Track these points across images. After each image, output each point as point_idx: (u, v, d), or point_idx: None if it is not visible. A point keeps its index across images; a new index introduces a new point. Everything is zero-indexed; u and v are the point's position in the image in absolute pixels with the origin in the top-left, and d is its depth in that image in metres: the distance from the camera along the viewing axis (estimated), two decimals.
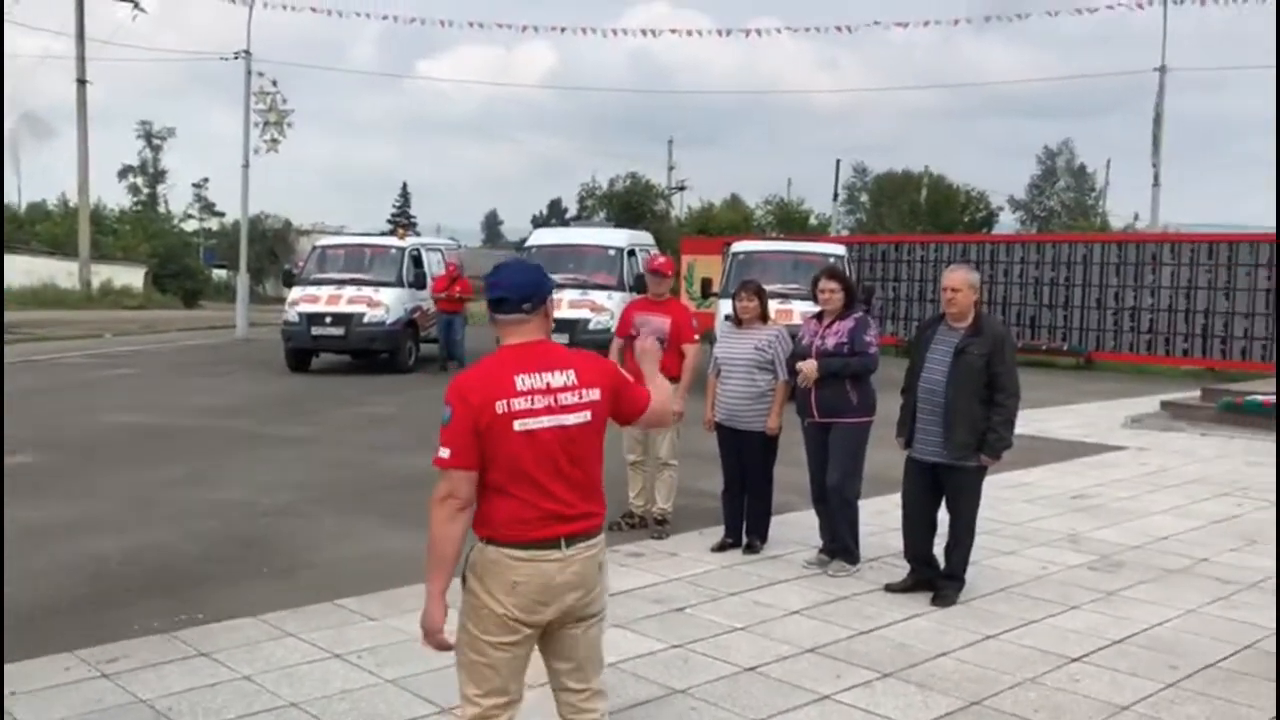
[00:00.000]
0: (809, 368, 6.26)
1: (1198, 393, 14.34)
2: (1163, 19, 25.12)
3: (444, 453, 2.87)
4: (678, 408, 6.58)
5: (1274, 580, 6.38)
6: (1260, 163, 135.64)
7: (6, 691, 4.29)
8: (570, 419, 2.93)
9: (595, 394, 2.99)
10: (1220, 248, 20.14)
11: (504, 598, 2.91)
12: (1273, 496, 8.96)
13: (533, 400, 2.89)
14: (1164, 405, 13.85)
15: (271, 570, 6.31)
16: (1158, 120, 25.26)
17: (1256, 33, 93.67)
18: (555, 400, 2.92)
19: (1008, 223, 61.79)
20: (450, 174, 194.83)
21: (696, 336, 7.33)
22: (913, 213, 51.02)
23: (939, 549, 6.01)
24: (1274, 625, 5.50)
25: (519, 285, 2.99)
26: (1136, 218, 51.17)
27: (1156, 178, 25.73)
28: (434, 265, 19.56)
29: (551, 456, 2.90)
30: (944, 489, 5.90)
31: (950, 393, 5.66)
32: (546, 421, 2.89)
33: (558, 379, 2.94)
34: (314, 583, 6.00)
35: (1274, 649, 5.15)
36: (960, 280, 5.74)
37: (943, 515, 5.99)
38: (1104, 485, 9.36)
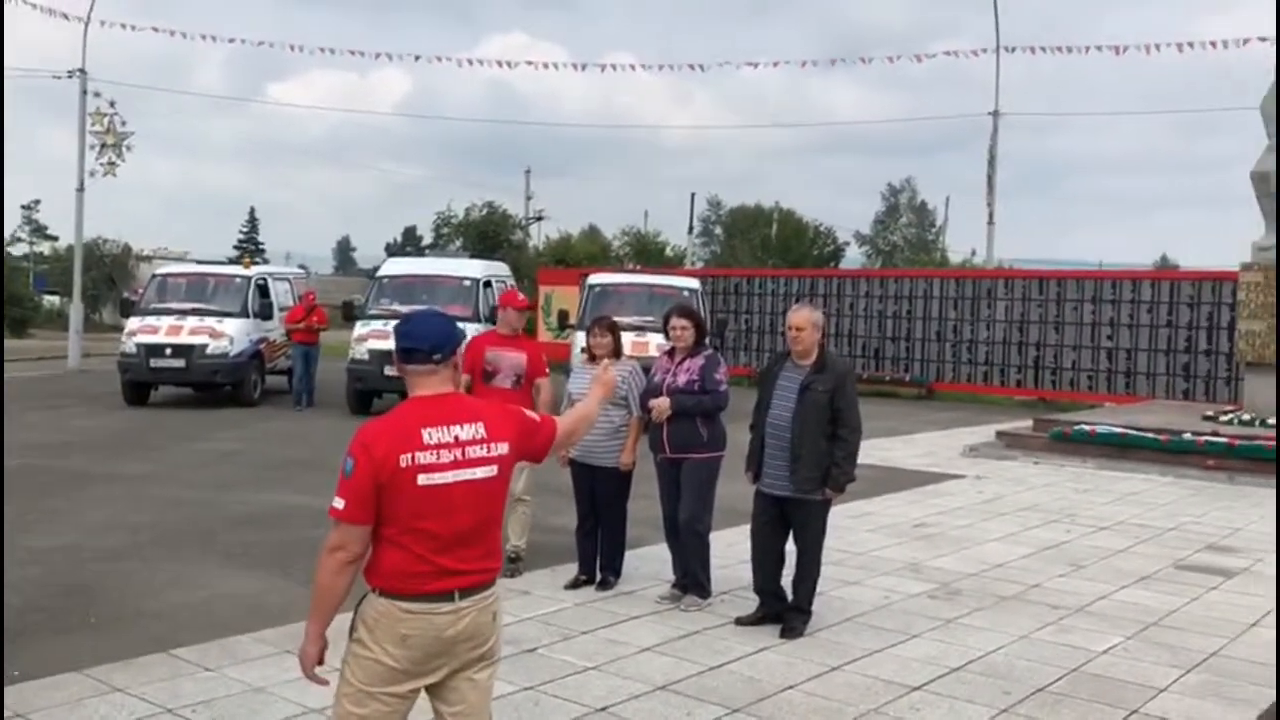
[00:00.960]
0: (661, 405, 6.33)
1: (1030, 422, 15.06)
2: (995, 65, 26.49)
3: (339, 503, 2.81)
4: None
5: (1101, 603, 6.75)
6: (1084, 200, 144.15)
7: None
8: (478, 473, 2.91)
9: (503, 448, 2.97)
10: (1050, 283, 21.28)
11: (394, 650, 2.85)
12: (1098, 523, 9.48)
13: (439, 454, 2.85)
14: (999, 435, 14.50)
15: (100, 620, 5.98)
16: (991, 161, 26.57)
17: (1082, 79, 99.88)
18: (463, 454, 2.88)
19: (854, 257, 63.88)
20: (301, 200, 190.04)
21: (548, 371, 7.32)
22: (764, 246, 52.26)
23: (787, 581, 6.13)
24: (1100, 649, 5.81)
25: (428, 336, 2.96)
26: (974, 253, 53.58)
27: (991, 216, 27.01)
28: (282, 295, 19.03)
29: (452, 510, 2.86)
30: (791, 522, 6.03)
31: (796, 428, 5.80)
32: (451, 476, 2.86)
33: (466, 432, 2.90)
34: (147, 632, 5.71)
35: (1100, 671, 5.43)
36: (804, 319, 5.91)
37: (791, 547, 6.12)
38: (943, 514, 9.72)
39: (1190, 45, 26.57)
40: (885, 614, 6.39)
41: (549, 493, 8.30)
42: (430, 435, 2.86)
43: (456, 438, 2.88)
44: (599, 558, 6.84)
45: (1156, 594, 7.04)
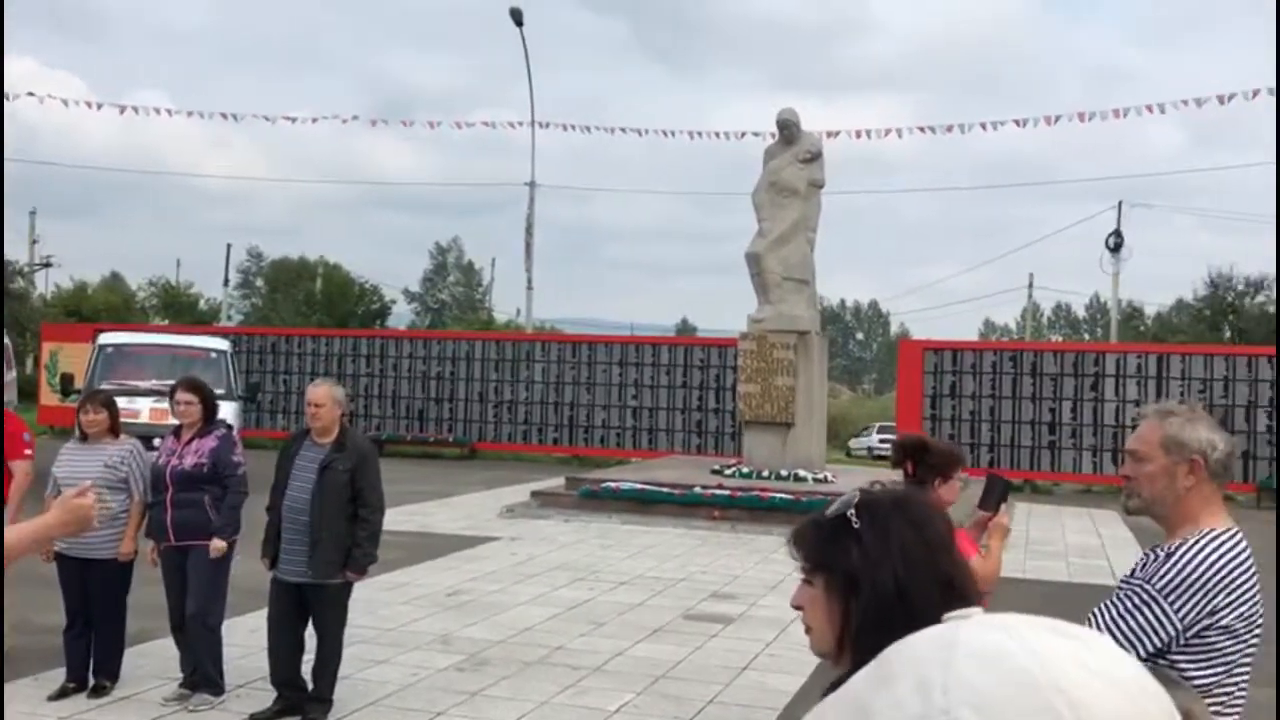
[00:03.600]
0: (218, 546, 5.88)
1: (563, 481, 15.75)
2: (531, 139, 27.86)
3: None
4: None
5: (617, 660, 7.13)
6: (619, 266, 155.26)
7: None
8: None
9: None
10: (582, 346, 22.55)
11: None
12: (619, 578, 10.06)
13: None
14: (534, 494, 15.01)
15: None
16: (529, 230, 27.84)
17: (615, 156, 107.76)
18: None
19: (403, 314, 63.82)
20: None
21: (29, 451, 6.49)
22: (308, 301, 50.69)
23: (308, 668, 5.85)
24: (613, 707, 6.11)
25: None
26: (519, 313, 55.70)
27: (530, 281, 28.23)
28: None
29: None
30: (310, 608, 5.78)
31: (316, 510, 5.59)
32: None
33: None
34: None
35: None
36: (324, 395, 5.73)
37: (311, 633, 5.85)
38: (477, 579, 9.83)
39: (700, 134, 29.64)
40: (412, 693, 6.30)
41: (35, 585, 7.33)
42: None
43: None
44: (92, 660, 6.12)
45: (667, 646, 7.57)
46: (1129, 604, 2.56)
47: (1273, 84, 21.27)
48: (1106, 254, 32.76)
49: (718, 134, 27.43)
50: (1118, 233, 32.86)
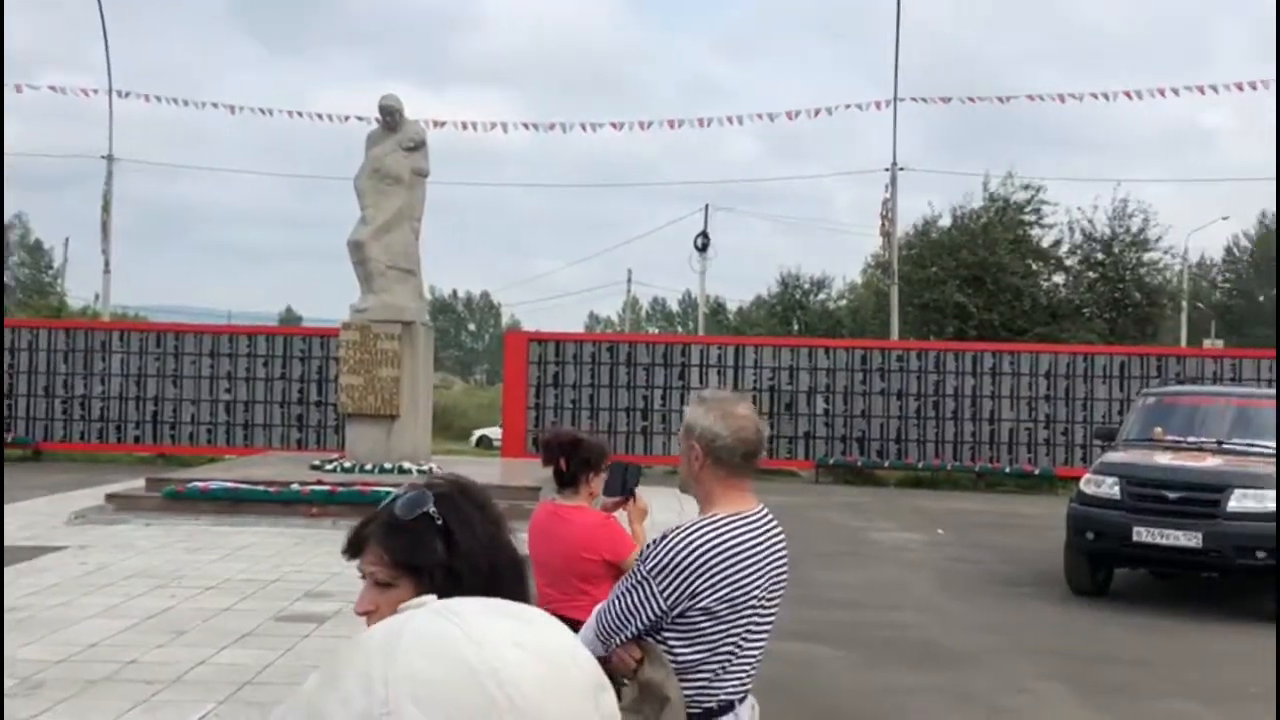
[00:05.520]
0: None
1: (143, 482, 14.53)
2: (109, 108, 25.40)
3: None
4: None
5: (199, 669, 6.68)
6: (215, 250, 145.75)
7: None
8: None
9: None
10: (168, 336, 20.91)
11: None
12: (205, 583, 9.44)
13: None
14: (109, 497, 13.72)
15: None
16: (106, 207, 25.34)
17: (209, 133, 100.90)
18: None
19: None
20: None
21: None
22: None
23: None
24: (195, 718, 5.72)
25: None
26: (97, 298, 50.62)
27: (108, 264, 25.74)
28: None
29: None
30: None
31: None
32: None
33: None
34: None
35: None
36: None
37: None
38: (37, 593, 8.83)
39: (301, 114, 28.49)
40: None
41: None
42: None
43: None
44: None
45: (254, 651, 7.20)
46: (627, 584, 2.76)
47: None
48: (695, 253, 35.26)
49: (320, 115, 26.53)
50: (704, 233, 35.45)
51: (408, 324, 14.96)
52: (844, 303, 39.62)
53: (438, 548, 1.62)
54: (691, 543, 2.68)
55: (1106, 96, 27.35)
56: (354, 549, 1.71)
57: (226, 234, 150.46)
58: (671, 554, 2.68)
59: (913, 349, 21.76)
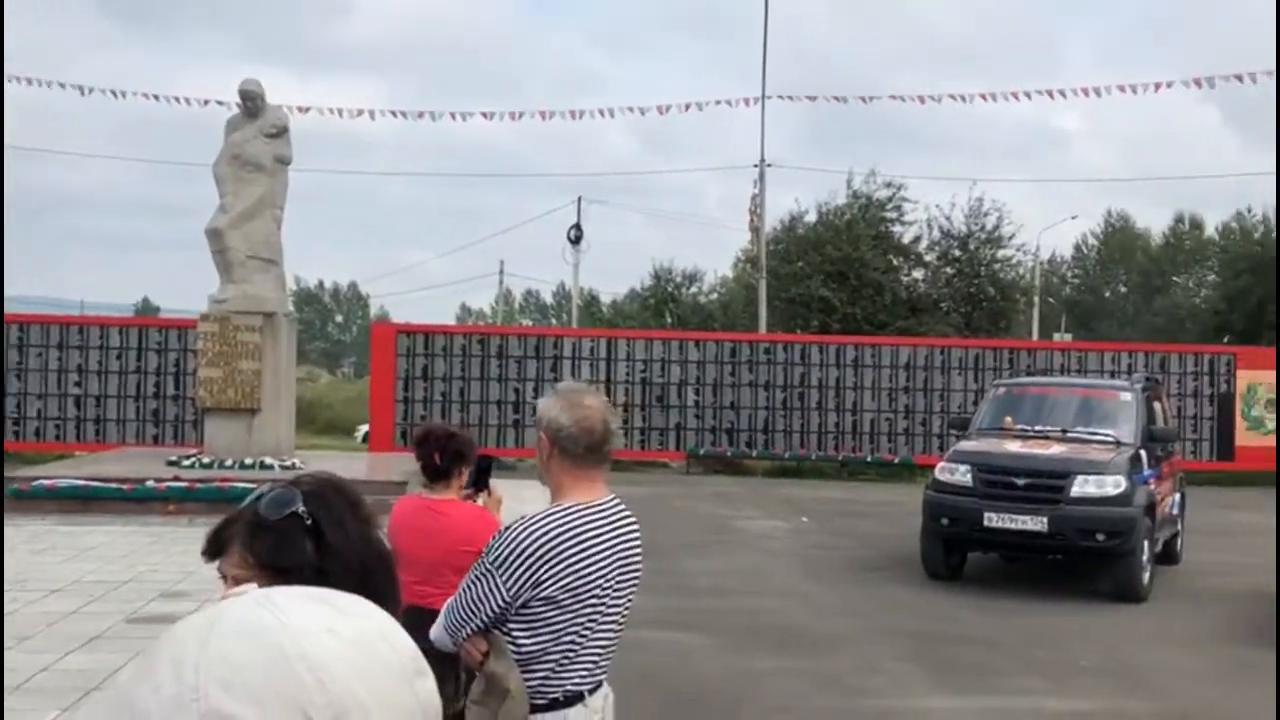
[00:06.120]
0: None
1: None
2: None
3: None
4: None
5: (42, 676, 6.40)
6: (65, 238, 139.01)
7: None
8: None
9: None
10: (11, 328, 19.85)
11: None
12: (51, 586, 9.03)
13: None
14: None
15: None
16: None
17: (58, 114, 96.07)
18: None
19: None
20: None
21: None
22: None
23: None
24: None
25: None
26: None
27: None
28: None
29: None
30: None
31: None
32: None
33: None
34: None
35: None
36: None
37: None
38: None
39: (158, 97, 27.38)
40: None
41: None
42: None
43: None
44: None
45: (103, 655, 6.92)
46: (472, 576, 2.78)
47: None
48: (569, 245, 35.24)
49: (178, 99, 25.51)
50: (578, 226, 35.47)
51: (269, 315, 14.57)
52: (715, 296, 40.13)
53: (307, 548, 1.56)
54: (533, 533, 2.71)
55: (964, 99, 28.47)
56: (215, 550, 1.64)
57: (79, 220, 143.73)
58: (514, 545, 2.70)
59: (779, 342, 22.20)
